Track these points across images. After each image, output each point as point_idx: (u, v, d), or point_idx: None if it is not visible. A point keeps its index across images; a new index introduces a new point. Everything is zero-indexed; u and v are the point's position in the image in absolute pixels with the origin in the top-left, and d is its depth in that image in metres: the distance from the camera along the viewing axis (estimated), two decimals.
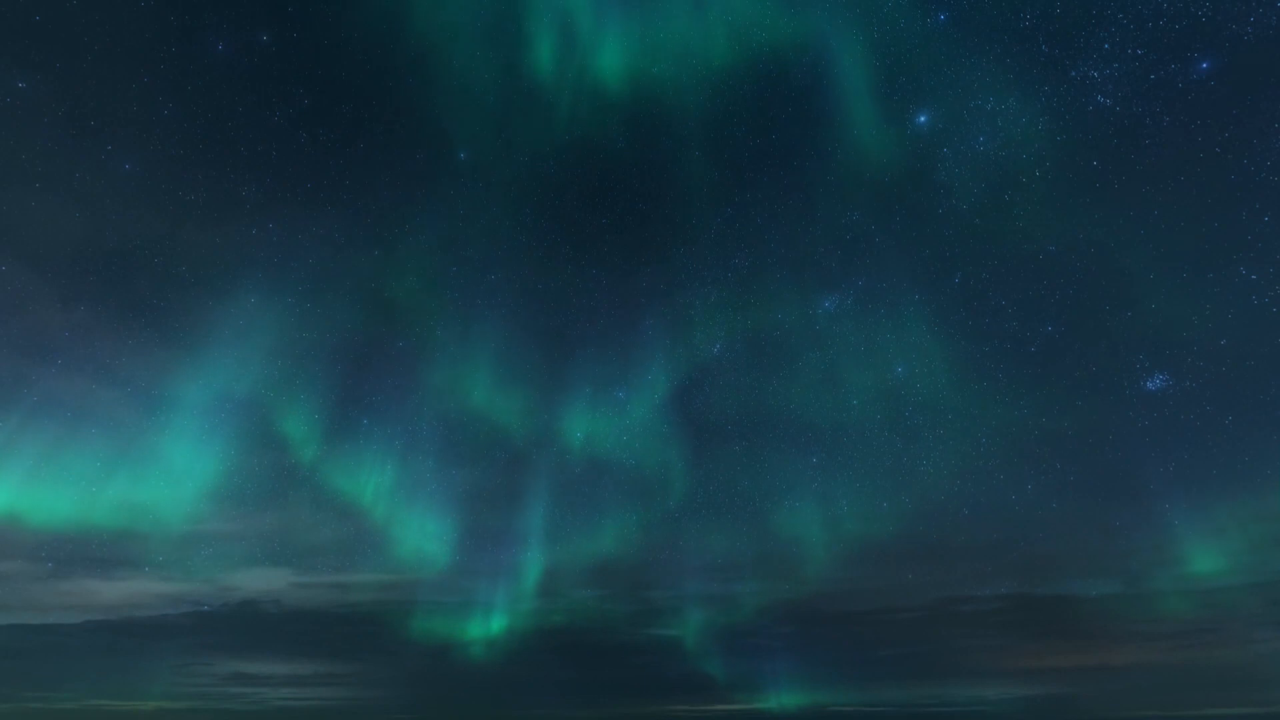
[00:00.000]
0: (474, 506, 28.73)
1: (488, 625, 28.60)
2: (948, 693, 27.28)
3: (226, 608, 27.71)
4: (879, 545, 27.10)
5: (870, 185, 23.91)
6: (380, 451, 27.19)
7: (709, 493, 27.87)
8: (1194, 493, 23.32)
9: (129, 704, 26.99)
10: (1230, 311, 21.14)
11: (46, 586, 26.10)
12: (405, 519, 28.34)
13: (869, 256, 24.54)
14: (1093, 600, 25.18)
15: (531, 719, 27.66)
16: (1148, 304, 22.07)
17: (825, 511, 26.91)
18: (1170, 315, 21.82)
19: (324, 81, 23.21)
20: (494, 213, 25.52)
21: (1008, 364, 24.10)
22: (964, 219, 23.21)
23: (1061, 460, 24.53)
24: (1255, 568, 23.32)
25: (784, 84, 23.46)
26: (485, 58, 23.83)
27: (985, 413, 24.98)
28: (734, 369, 26.92)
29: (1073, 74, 20.73)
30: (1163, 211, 21.06)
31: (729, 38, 23.13)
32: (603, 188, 25.51)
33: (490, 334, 26.85)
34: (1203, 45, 19.46)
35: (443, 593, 28.83)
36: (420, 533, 28.37)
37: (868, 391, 25.96)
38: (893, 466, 26.30)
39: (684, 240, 25.88)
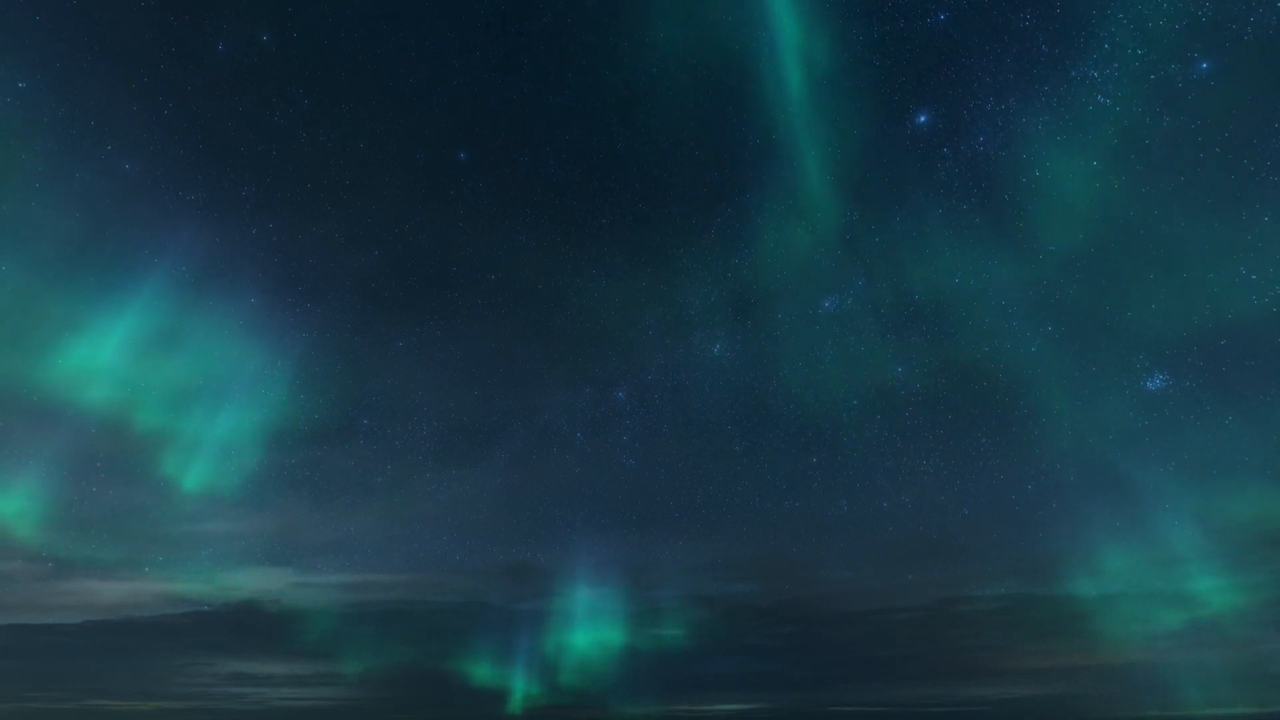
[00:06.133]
0: (475, 506, 28.83)
1: (489, 624, 28.70)
2: (948, 693, 27.30)
3: (226, 608, 27.74)
4: (879, 545, 27.18)
5: (870, 185, 23.95)
6: (380, 451, 27.28)
7: (709, 493, 27.96)
8: (1194, 492, 23.37)
9: (129, 704, 27.01)
10: (1230, 311, 21.16)
11: (46, 586, 26.15)
12: (404, 519, 28.42)
13: (869, 256, 24.57)
14: (1093, 600, 25.20)
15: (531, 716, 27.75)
16: (1148, 304, 22.09)
17: (825, 511, 27.00)
18: (1170, 315, 21.84)
19: (324, 81, 23.25)
20: (494, 213, 25.60)
21: (1007, 363, 24.12)
22: (964, 218, 23.25)
23: (1061, 460, 24.57)
24: (1255, 567, 23.37)
25: (784, 84, 23.47)
26: (486, 58, 23.93)
27: (985, 413, 25.05)
28: (734, 369, 27.00)
29: (1073, 74, 20.73)
30: (1163, 211, 21.07)
31: (727, 38, 23.16)
32: (603, 188, 25.55)
33: (490, 334, 26.94)
34: (1203, 45, 19.45)
35: (444, 592, 28.93)
36: (419, 532, 28.45)
37: (868, 391, 26.03)
38: (893, 466, 26.38)
39: (684, 240, 25.94)
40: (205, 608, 27.66)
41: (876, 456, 26.33)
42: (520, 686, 27.85)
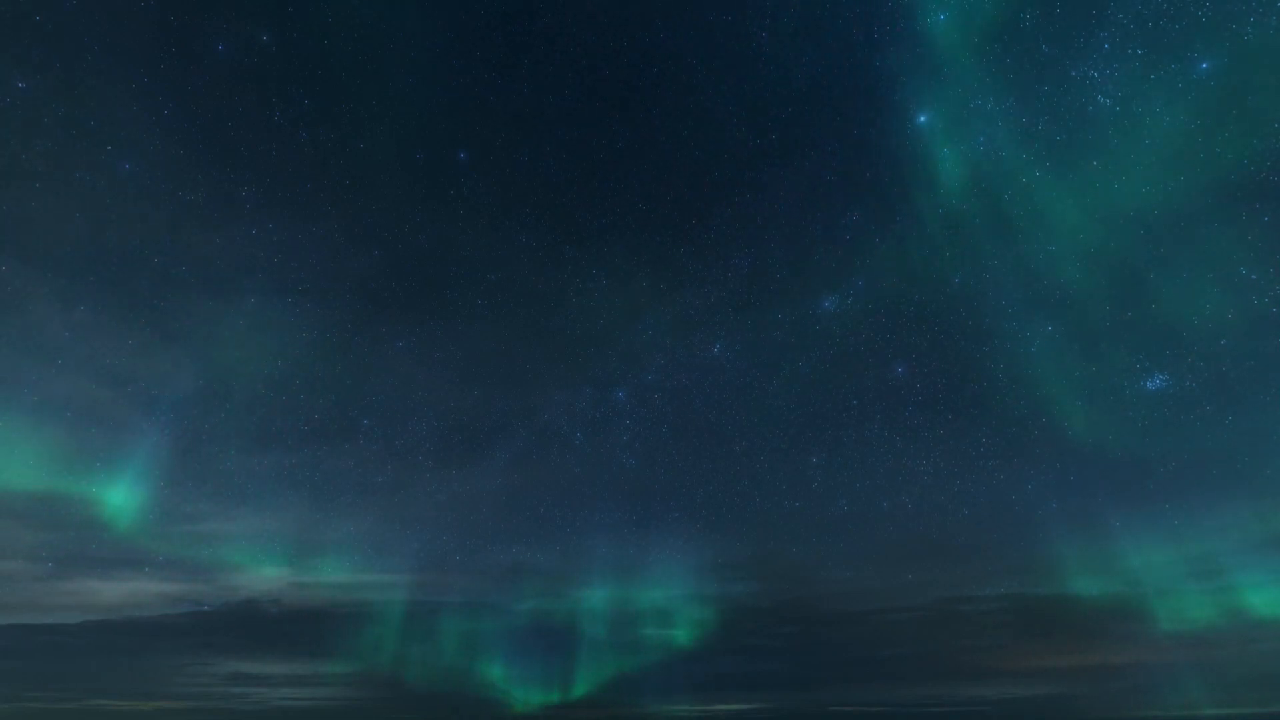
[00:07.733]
0: (475, 506, 28.84)
1: (489, 624, 28.71)
2: (948, 693, 27.32)
3: (226, 608, 27.77)
4: (879, 545, 27.20)
5: (870, 185, 23.96)
6: (380, 451, 27.28)
7: (709, 493, 27.97)
8: (1193, 492, 23.39)
9: (129, 704, 27.02)
10: (1230, 311, 21.18)
11: (46, 586, 26.15)
12: (404, 519, 28.44)
13: (869, 256, 24.58)
14: (1093, 600, 25.23)
15: (526, 715, 27.74)
16: (1148, 304, 22.11)
17: (825, 511, 27.02)
18: (1170, 315, 21.84)
19: (324, 81, 23.22)
20: (494, 213, 25.60)
21: (1008, 364, 24.15)
22: (964, 219, 23.26)
23: (1061, 460, 24.61)
24: (1254, 566, 23.39)
25: (784, 84, 23.49)
26: (486, 58, 23.94)
27: (985, 413, 25.07)
28: (734, 369, 27.02)
29: (1073, 74, 20.73)
30: (1163, 211, 21.08)
31: (729, 39, 23.16)
32: (603, 188, 25.56)
33: (490, 334, 26.95)
34: (1203, 45, 19.43)
35: (444, 592, 28.95)
36: (419, 532, 28.46)
37: (868, 391, 26.07)
38: (893, 466, 26.41)
39: (684, 240, 25.95)
40: (205, 608, 27.71)
41: (876, 456, 26.41)
42: (520, 686, 27.90)
